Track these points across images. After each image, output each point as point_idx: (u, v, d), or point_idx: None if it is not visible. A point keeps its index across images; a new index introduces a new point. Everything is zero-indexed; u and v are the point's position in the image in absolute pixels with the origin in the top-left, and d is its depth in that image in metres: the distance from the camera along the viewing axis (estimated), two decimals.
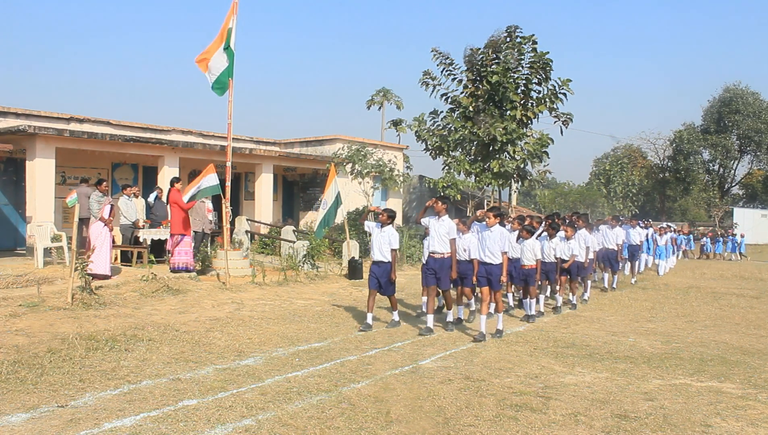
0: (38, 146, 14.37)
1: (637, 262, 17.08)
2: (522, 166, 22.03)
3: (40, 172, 14.41)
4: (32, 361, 6.36)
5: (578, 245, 11.36)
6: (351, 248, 15.00)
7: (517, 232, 10.28)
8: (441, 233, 8.59)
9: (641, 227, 17.89)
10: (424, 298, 9.28)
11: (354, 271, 13.80)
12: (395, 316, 9.06)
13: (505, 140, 20.83)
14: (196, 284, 11.17)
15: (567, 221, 12.11)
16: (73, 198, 9.39)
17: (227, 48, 12.31)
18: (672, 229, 22.90)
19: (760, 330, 9.73)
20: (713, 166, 52.67)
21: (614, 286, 14.63)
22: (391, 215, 8.75)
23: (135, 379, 5.92)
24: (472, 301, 9.86)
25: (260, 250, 17.69)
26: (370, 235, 8.98)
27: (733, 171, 53.33)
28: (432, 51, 22.66)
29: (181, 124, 22.06)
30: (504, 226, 9.36)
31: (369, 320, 8.65)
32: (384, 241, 8.61)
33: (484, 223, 8.91)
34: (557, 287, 11.22)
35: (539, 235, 10.81)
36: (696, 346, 8.25)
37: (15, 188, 16.15)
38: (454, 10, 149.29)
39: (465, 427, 4.94)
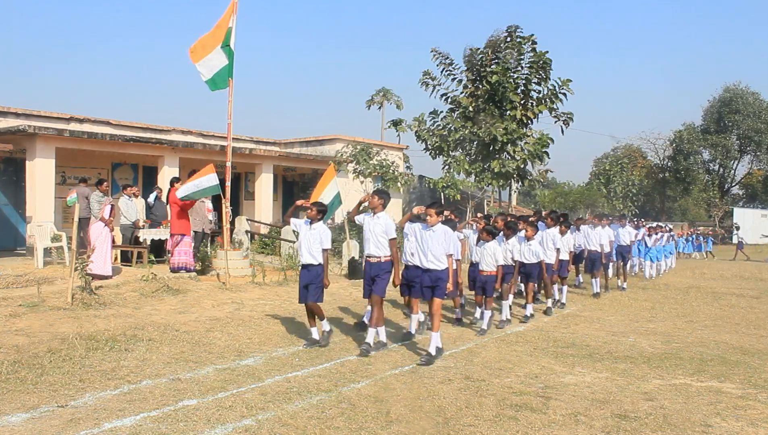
0: (38, 146, 14.37)
1: (628, 265, 15.88)
2: (522, 166, 22.03)
3: (40, 172, 14.40)
4: (32, 361, 6.35)
5: (542, 247, 10.52)
6: (351, 248, 15.00)
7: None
8: (377, 233, 7.41)
9: (632, 227, 16.96)
10: (368, 308, 8.02)
11: (354, 271, 13.80)
12: (325, 326, 7.74)
13: (505, 140, 20.82)
14: (196, 284, 11.17)
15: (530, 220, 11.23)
16: (73, 197, 9.39)
17: (226, 46, 12.29)
18: (668, 229, 21.72)
19: (760, 330, 9.72)
20: (713, 166, 52.68)
21: (604, 289, 13.73)
22: (321, 210, 7.54)
23: (135, 379, 5.92)
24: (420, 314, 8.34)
25: (260, 250, 17.68)
26: (297, 233, 7.79)
27: (733, 171, 53.35)
28: (432, 51, 22.69)
29: (181, 124, 22.06)
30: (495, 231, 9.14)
31: (315, 335, 7.57)
32: (314, 241, 7.39)
33: (425, 222, 7.36)
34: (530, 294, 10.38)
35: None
36: (696, 346, 8.25)
37: (15, 188, 16.15)
38: (454, 10, 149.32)
39: (465, 427, 4.94)
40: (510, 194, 28.52)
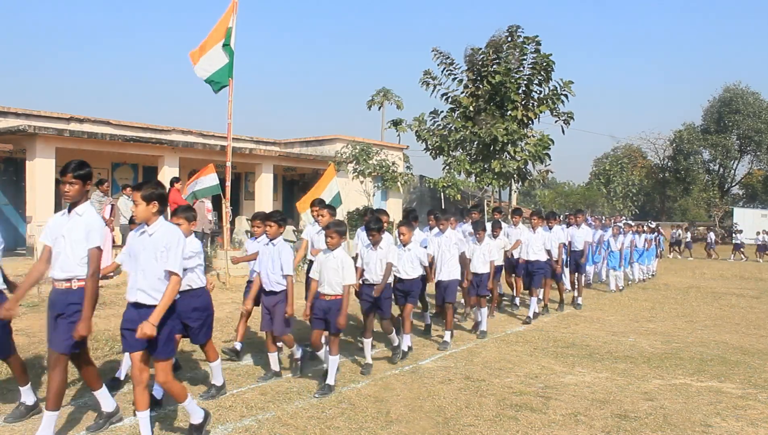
0: (38, 146, 14.37)
1: (583, 275, 12.46)
2: (523, 166, 22.03)
3: (40, 172, 14.41)
4: (32, 361, 6.36)
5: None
6: (351, 248, 15.01)
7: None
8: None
9: (591, 227, 13.83)
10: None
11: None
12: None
13: (505, 140, 20.82)
14: None
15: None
16: None
17: (226, 45, 12.28)
18: (653, 229, 18.86)
19: (760, 330, 9.72)
20: (713, 166, 52.65)
21: (544, 309, 10.68)
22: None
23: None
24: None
25: None
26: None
27: (733, 171, 53.32)
28: (432, 51, 22.69)
29: (181, 124, 22.09)
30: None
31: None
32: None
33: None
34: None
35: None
36: (696, 346, 8.25)
37: (15, 188, 16.15)
38: (454, 10, 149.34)
39: (465, 427, 4.94)
40: (510, 194, 28.51)
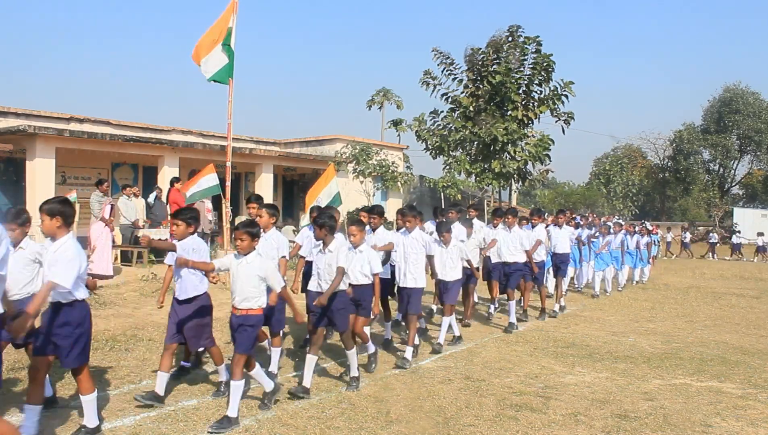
0: (38, 146, 14.37)
1: (564, 279, 11.21)
2: (523, 166, 22.03)
3: (40, 172, 14.41)
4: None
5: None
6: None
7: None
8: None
9: (579, 226, 12.95)
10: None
11: None
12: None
13: (505, 140, 20.83)
14: None
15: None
16: (73, 196, 9.40)
17: (226, 45, 12.28)
18: (647, 229, 17.45)
19: (760, 330, 9.72)
20: (713, 166, 52.65)
21: (518, 317, 9.41)
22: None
23: (135, 379, 5.92)
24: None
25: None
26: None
27: (733, 171, 53.32)
28: (432, 51, 22.68)
29: (181, 124, 22.09)
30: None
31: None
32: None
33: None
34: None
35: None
36: (696, 346, 8.25)
37: (15, 188, 16.15)
38: (454, 10, 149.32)
39: (465, 427, 4.94)
40: (510, 194, 28.52)
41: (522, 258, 9.36)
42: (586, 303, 12.19)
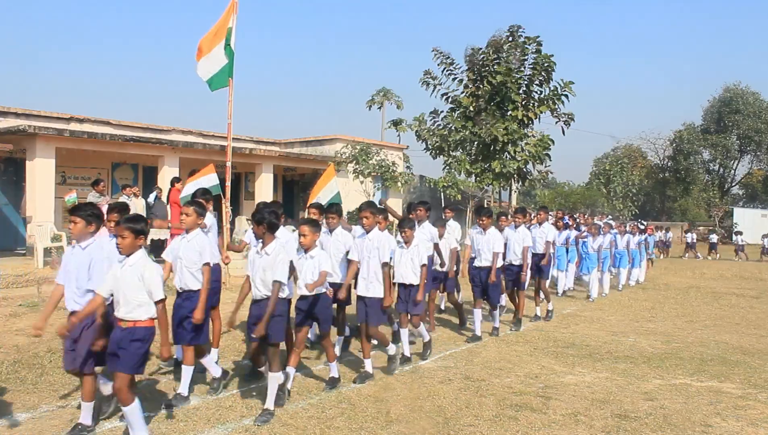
0: (38, 146, 14.37)
1: (545, 281, 10.45)
2: (524, 166, 22.02)
3: (40, 172, 14.41)
4: (32, 360, 6.36)
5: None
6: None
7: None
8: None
9: (567, 226, 12.50)
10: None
11: None
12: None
13: (506, 140, 20.83)
14: None
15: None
16: (73, 196, 9.40)
17: (227, 46, 12.29)
18: (640, 228, 16.92)
19: (760, 330, 9.72)
20: (713, 166, 52.70)
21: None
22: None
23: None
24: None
25: None
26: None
27: (733, 171, 53.37)
28: (433, 50, 22.64)
29: (181, 124, 22.08)
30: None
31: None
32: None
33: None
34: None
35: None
36: (696, 346, 8.25)
37: (15, 188, 16.15)
38: (454, 10, 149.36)
39: (465, 427, 4.94)
40: (510, 194, 28.52)
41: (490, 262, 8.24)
42: (586, 303, 12.19)
